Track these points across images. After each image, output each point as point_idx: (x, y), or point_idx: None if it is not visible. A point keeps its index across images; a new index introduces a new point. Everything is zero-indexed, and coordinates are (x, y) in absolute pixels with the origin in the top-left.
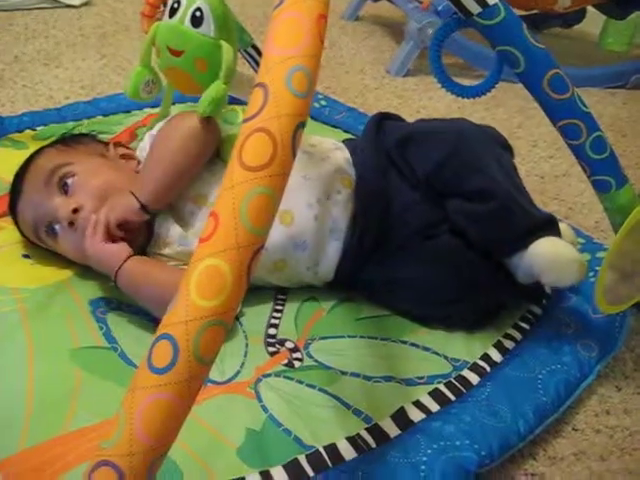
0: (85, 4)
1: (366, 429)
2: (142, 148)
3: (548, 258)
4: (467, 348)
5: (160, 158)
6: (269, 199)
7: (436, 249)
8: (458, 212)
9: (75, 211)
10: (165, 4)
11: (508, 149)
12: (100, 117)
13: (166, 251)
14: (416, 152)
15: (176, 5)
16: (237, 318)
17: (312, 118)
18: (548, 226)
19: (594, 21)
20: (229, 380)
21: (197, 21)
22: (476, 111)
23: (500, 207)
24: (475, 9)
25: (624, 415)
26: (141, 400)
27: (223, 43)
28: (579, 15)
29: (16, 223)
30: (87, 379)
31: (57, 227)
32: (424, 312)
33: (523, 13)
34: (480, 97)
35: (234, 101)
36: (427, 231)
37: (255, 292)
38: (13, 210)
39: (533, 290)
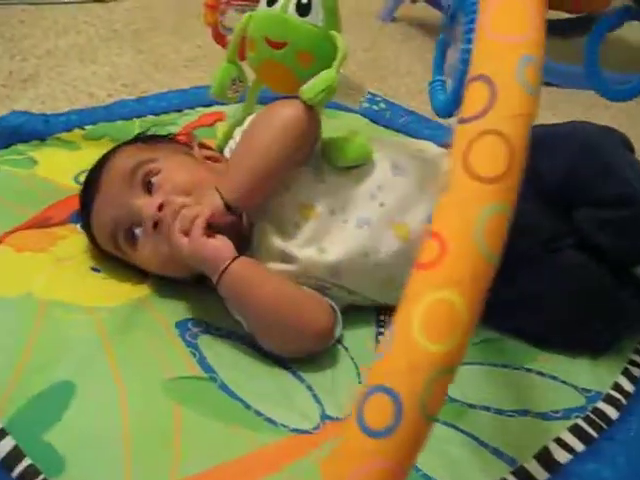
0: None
1: (512, 472)
2: (232, 148)
3: None
4: (595, 376)
5: (252, 149)
6: (505, 218)
7: (562, 264)
8: (590, 220)
9: (161, 208)
10: None
11: (632, 150)
12: (151, 116)
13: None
14: (542, 160)
15: None
16: (340, 342)
17: (373, 121)
18: None
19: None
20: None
21: (304, 9)
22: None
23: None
24: None
25: None
26: (353, 469)
27: (334, 33)
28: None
29: (88, 229)
30: (188, 416)
31: (138, 231)
32: (546, 334)
33: (563, 17)
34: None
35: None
36: (551, 244)
37: (352, 312)
38: (87, 214)
39: None
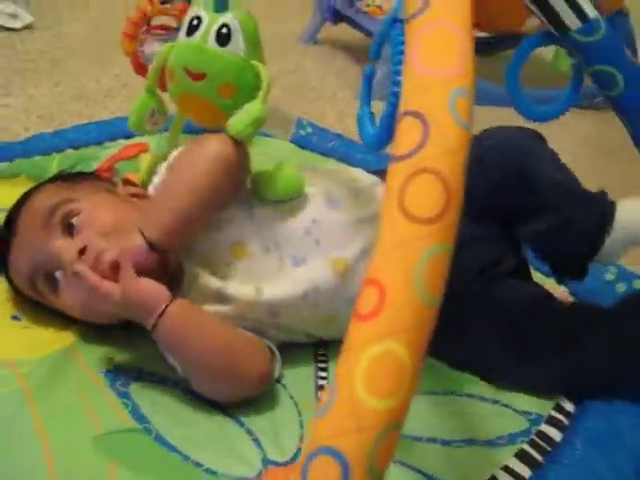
0: (27, 27)
1: None
2: (156, 184)
3: None
4: (534, 398)
5: (177, 187)
6: (445, 259)
7: (499, 295)
8: (530, 238)
9: (82, 252)
10: (149, 23)
11: (543, 139)
12: (70, 150)
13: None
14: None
15: (196, 22)
16: (278, 381)
17: (300, 146)
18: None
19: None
20: (292, 460)
21: (224, 39)
22: None
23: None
24: (574, 24)
25: None
26: None
27: (256, 63)
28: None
29: (6, 274)
30: (123, 474)
31: (59, 275)
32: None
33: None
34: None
35: None
36: (488, 272)
37: (291, 349)
38: (4, 257)
39: None
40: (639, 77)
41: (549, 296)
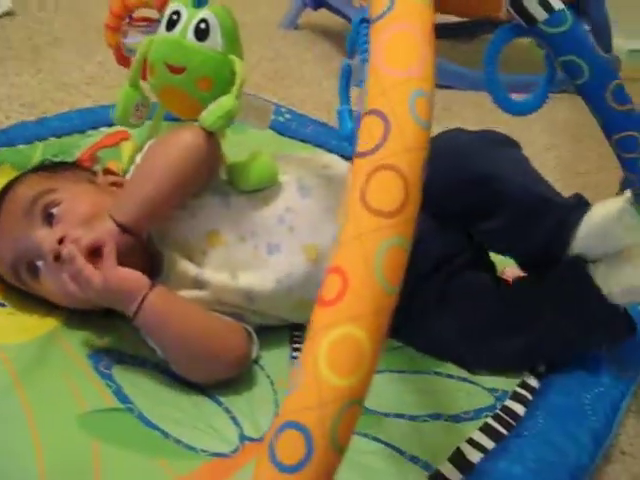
0: (7, 14)
1: (428, 477)
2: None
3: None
4: (501, 376)
5: (149, 173)
6: (404, 251)
7: (462, 290)
8: (486, 236)
9: (61, 241)
10: (131, 16)
11: (514, 145)
12: (53, 139)
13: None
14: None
15: (175, 17)
16: (256, 362)
17: (279, 133)
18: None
19: None
20: None
21: (202, 34)
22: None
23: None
24: (541, 16)
25: None
26: None
27: (233, 57)
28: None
29: None
30: (107, 451)
31: (40, 264)
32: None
33: (458, 20)
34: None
35: None
36: (446, 266)
37: (266, 331)
38: None
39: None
40: (603, 66)
41: (499, 280)
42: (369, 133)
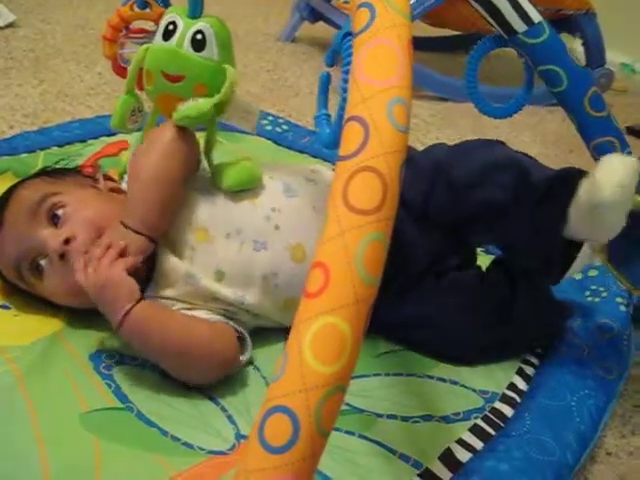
0: (10, 25)
1: (418, 475)
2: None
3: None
4: (491, 378)
5: (142, 176)
6: (383, 246)
7: (449, 286)
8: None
9: (67, 242)
10: (128, 27)
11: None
12: (55, 148)
13: (168, 292)
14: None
15: (171, 27)
16: (251, 363)
17: (276, 143)
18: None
19: None
20: None
21: (199, 45)
22: (429, 132)
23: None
24: (521, 27)
25: None
26: None
27: (227, 67)
28: None
29: None
30: (107, 448)
31: (43, 262)
32: (440, 349)
33: (451, 34)
34: (507, 118)
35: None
36: (435, 267)
37: (263, 334)
38: None
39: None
40: (580, 75)
41: (483, 276)
42: (350, 138)
